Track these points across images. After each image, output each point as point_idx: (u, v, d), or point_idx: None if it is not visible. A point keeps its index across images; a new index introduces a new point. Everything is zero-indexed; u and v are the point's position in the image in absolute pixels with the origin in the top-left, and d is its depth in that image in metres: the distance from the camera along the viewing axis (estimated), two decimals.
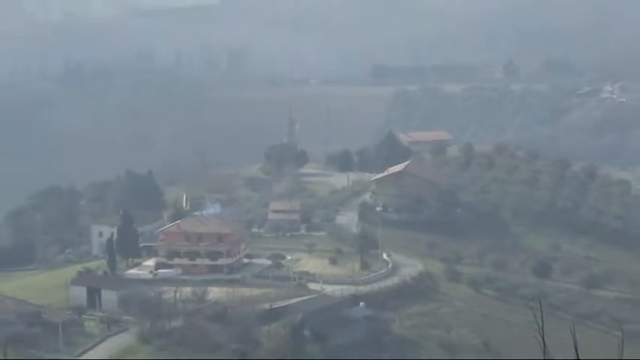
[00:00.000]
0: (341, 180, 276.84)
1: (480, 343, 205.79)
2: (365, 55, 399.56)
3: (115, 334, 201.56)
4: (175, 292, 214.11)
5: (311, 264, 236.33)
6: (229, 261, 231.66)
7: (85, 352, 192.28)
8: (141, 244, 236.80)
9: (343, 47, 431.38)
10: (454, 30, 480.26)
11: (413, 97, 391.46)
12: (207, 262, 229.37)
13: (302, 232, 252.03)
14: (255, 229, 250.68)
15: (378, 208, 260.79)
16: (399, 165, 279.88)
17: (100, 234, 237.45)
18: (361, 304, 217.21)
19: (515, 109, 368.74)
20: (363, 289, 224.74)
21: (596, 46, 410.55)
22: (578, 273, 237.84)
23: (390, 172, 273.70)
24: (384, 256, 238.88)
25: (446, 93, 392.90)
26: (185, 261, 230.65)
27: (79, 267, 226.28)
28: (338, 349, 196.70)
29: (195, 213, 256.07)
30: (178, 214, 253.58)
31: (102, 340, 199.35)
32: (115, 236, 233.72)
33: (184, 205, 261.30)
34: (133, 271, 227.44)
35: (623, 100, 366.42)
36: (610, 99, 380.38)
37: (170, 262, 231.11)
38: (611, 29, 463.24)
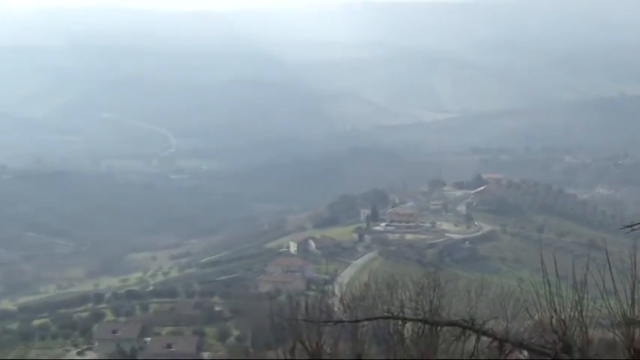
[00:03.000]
0: (459, 193, 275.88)
1: (514, 258, 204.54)
2: (470, 143, 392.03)
3: (369, 252, 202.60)
4: (393, 236, 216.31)
5: (446, 226, 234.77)
6: (413, 224, 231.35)
7: (357, 259, 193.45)
8: (379, 217, 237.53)
9: (463, 141, 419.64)
10: (502, 136, 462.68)
11: (487, 160, 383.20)
12: (404, 224, 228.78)
13: (442, 213, 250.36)
14: (424, 212, 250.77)
15: (474, 204, 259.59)
16: (482, 186, 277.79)
17: (364, 213, 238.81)
18: (467, 242, 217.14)
19: (531, 168, 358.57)
20: (467, 236, 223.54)
21: (560, 139, 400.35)
22: (555, 230, 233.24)
23: (479, 190, 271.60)
24: (475, 223, 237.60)
25: (503, 160, 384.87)
26: (397, 224, 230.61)
27: (355, 226, 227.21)
28: (458, 260, 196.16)
29: (401, 205, 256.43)
30: (394, 205, 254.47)
31: (363, 255, 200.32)
32: (370, 213, 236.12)
33: (397, 201, 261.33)
34: (376, 228, 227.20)
35: (574, 162, 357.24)
36: (568, 162, 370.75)
37: (391, 224, 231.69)
38: (573, 134, 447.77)
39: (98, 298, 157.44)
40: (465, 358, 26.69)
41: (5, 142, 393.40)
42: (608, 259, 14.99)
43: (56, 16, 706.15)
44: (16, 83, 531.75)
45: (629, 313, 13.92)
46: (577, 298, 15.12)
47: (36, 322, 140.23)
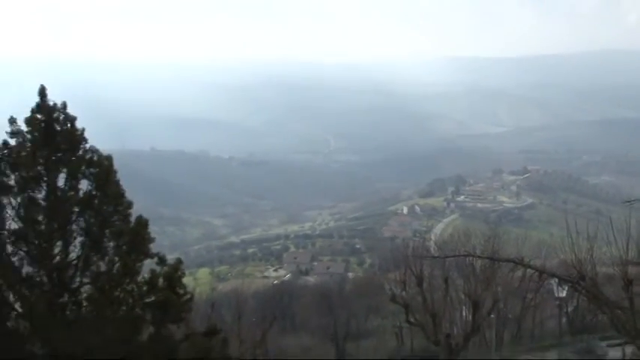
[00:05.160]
0: (512, 178, 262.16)
1: (547, 220, 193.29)
2: (519, 147, 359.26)
3: (453, 215, 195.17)
4: (469, 204, 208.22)
5: (503, 199, 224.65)
6: (482, 198, 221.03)
7: (445, 218, 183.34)
8: (460, 192, 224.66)
9: (515, 145, 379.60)
10: (540, 142, 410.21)
11: (530, 157, 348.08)
12: (477, 197, 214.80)
13: (501, 191, 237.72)
14: (489, 190, 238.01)
15: (521, 185, 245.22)
16: (527, 174, 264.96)
17: (450, 189, 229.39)
18: (516, 209, 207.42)
19: (559, 163, 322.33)
20: (517, 206, 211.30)
21: (579, 145, 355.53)
22: (574, 203, 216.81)
23: (525, 176, 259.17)
24: (522, 197, 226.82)
25: (541, 157, 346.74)
26: (471, 197, 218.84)
27: (444, 197, 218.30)
28: (510, 220, 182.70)
29: (475, 185, 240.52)
30: (470, 185, 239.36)
31: (449, 216, 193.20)
32: (454, 190, 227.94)
33: (471, 182, 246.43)
34: (458, 199, 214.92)
35: (588, 159, 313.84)
36: (584, 159, 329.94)
37: (467, 197, 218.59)
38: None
39: (286, 237, 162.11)
40: (515, 283, 26.19)
41: (233, 143, 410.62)
42: (610, 221, 14.99)
43: (258, 66, 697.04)
44: (240, 107, 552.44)
45: (624, 256, 13.86)
46: (589, 246, 15.17)
47: (249, 250, 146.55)
